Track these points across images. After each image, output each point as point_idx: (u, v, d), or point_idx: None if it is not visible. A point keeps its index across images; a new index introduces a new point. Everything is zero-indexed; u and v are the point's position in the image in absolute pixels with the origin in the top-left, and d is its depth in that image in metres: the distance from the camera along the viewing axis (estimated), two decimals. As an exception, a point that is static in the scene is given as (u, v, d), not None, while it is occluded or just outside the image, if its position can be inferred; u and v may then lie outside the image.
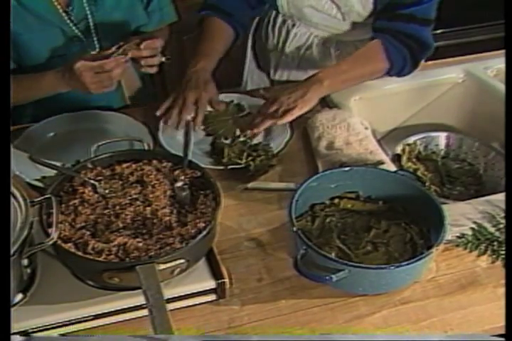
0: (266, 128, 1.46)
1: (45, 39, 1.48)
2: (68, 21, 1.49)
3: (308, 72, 1.74)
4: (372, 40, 1.53)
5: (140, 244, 1.04)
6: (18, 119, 1.66)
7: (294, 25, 1.73)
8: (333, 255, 1.14)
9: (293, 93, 1.44)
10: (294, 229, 1.12)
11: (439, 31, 2.30)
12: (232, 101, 1.60)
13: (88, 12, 1.50)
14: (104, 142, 1.23)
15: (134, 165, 1.20)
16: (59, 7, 1.47)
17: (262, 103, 1.50)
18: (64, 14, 1.48)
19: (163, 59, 1.39)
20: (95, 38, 1.55)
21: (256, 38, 1.90)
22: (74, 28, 1.51)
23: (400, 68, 1.53)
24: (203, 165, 1.21)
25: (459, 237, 1.22)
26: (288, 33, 1.75)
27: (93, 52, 1.53)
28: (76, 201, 1.12)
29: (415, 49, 1.51)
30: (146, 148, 1.26)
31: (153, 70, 1.40)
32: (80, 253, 1.02)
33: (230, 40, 1.67)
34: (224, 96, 1.60)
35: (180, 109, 1.46)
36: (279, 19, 1.76)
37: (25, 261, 1.03)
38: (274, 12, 1.76)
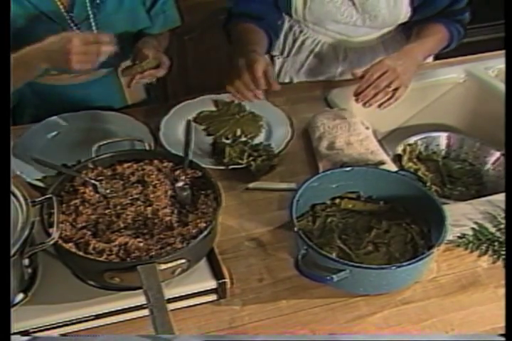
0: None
1: (45, 36, 1.48)
2: (70, 22, 1.49)
3: (313, 77, 1.76)
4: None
5: (141, 244, 1.04)
6: (18, 119, 1.66)
7: (301, 32, 1.71)
8: (334, 255, 1.14)
9: (399, 59, 1.44)
10: (295, 229, 1.12)
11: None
12: (232, 101, 1.59)
13: (90, 14, 1.50)
14: (105, 142, 1.23)
15: (135, 165, 1.20)
16: (61, 7, 1.47)
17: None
18: (66, 15, 1.48)
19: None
20: None
21: None
22: (74, 28, 1.50)
23: (453, 45, 1.62)
24: (203, 165, 1.21)
25: (459, 237, 1.22)
26: (295, 40, 1.72)
27: None
28: (77, 201, 1.12)
29: (465, 28, 1.63)
30: (147, 148, 1.26)
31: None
32: (80, 253, 1.02)
33: (266, 44, 1.58)
34: (225, 97, 1.60)
35: (251, 83, 1.38)
36: (285, 25, 1.72)
37: (26, 261, 1.03)
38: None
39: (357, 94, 1.42)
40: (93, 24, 1.52)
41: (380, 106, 1.44)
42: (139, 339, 1.00)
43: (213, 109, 1.59)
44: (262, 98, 1.41)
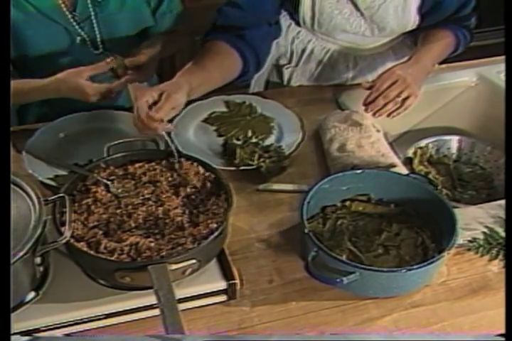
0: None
1: (48, 36, 1.49)
2: (72, 21, 1.50)
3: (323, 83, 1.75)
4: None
5: (152, 244, 1.05)
6: (23, 119, 1.66)
7: (309, 41, 1.68)
8: (344, 257, 1.14)
9: (409, 68, 1.44)
10: (306, 230, 1.12)
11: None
12: (244, 102, 1.60)
13: (92, 12, 1.51)
14: (117, 142, 1.24)
15: (146, 165, 1.21)
16: (63, 6, 1.48)
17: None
18: (68, 13, 1.49)
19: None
20: (99, 38, 1.55)
21: None
22: (77, 27, 1.51)
23: (460, 50, 1.62)
24: (214, 166, 1.22)
25: (470, 241, 1.22)
26: (304, 49, 1.70)
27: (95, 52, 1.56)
28: (89, 200, 1.13)
29: (472, 33, 1.62)
30: (159, 148, 1.27)
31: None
32: (92, 253, 1.03)
33: (233, 74, 1.45)
34: (236, 97, 1.60)
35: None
36: (293, 33, 1.69)
37: (38, 260, 1.04)
38: (286, 24, 1.69)
39: (366, 104, 1.42)
40: (95, 23, 1.52)
41: (389, 115, 1.43)
42: (144, 339, 1.00)
43: (224, 109, 1.59)
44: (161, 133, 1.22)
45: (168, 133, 1.25)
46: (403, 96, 1.41)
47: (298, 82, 1.77)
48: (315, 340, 1.06)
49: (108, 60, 1.41)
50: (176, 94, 1.22)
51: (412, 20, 1.55)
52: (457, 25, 1.59)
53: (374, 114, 1.42)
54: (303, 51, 1.71)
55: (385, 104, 1.41)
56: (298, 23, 1.63)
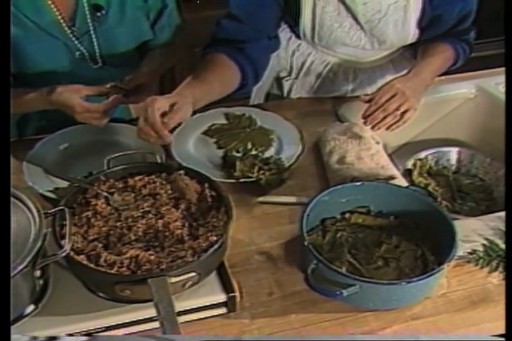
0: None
1: (46, 51, 1.49)
2: (71, 35, 1.50)
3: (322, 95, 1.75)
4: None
5: (152, 257, 1.05)
6: (22, 131, 1.67)
7: (309, 54, 1.70)
8: (343, 270, 1.15)
9: (409, 82, 1.45)
10: (305, 243, 1.12)
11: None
12: (243, 115, 1.61)
13: (91, 27, 1.51)
14: (117, 155, 1.24)
15: (146, 178, 1.21)
16: (62, 21, 1.48)
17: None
18: (67, 28, 1.49)
19: None
20: (98, 53, 1.55)
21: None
22: (76, 42, 1.52)
23: (459, 63, 1.64)
24: (214, 178, 1.22)
25: (470, 253, 1.22)
26: (304, 61, 1.72)
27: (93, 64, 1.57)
28: (89, 213, 1.14)
29: (471, 47, 1.65)
30: (159, 160, 1.27)
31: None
32: (92, 266, 1.03)
33: (232, 86, 1.47)
34: (236, 110, 1.62)
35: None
36: (293, 46, 1.71)
37: (37, 273, 1.04)
38: (286, 37, 1.71)
39: (365, 117, 1.43)
40: (94, 38, 1.52)
41: (388, 128, 1.44)
42: (139, 340, 1.00)
43: (224, 122, 1.60)
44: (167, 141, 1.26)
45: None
46: (402, 109, 1.42)
47: (298, 94, 1.78)
48: (315, 340, 1.06)
49: (108, 85, 1.41)
50: (187, 106, 1.27)
51: (412, 34, 1.56)
52: (456, 38, 1.60)
53: (373, 127, 1.43)
54: (303, 64, 1.72)
55: (384, 117, 1.42)
56: (298, 36, 1.65)
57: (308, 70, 1.73)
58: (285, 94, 1.80)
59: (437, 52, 1.57)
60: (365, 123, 1.44)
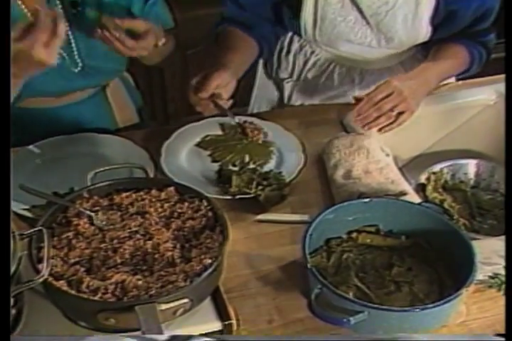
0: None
1: None
2: None
3: (326, 101, 1.77)
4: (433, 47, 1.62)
5: (140, 282, 1.05)
6: None
7: (313, 53, 1.72)
8: (350, 295, 1.15)
9: (408, 81, 1.46)
10: (308, 265, 1.13)
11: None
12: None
13: (67, 27, 1.49)
14: (101, 169, 1.25)
15: (134, 195, 1.22)
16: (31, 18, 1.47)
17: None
18: None
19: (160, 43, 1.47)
20: (77, 55, 1.55)
21: (267, 66, 1.89)
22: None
23: (474, 69, 1.65)
24: (208, 195, 1.23)
25: (491, 277, 1.22)
26: (306, 61, 1.74)
27: None
28: (70, 234, 1.14)
29: (491, 50, 1.66)
30: (148, 175, 1.28)
31: (145, 52, 1.43)
32: (73, 292, 1.04)
33: (254, 53, 1.64)
34: (232, 119, 1.62)
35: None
36: (295, 45, 1.75)
37: (10, 301, 1.04)
38: (288, 37, 1.76)
39: (358, 115, 1.45)
40: (72, 39, 1.52)
41: (380, 130, 1.46)
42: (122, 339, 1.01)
43: (219, 132, 1.61)
44: (226, 107, 1.46)
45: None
46: (397, 110, 1.43)
47: (299, 98, 1.80)
48: (315, 340, 1.07)
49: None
50: (217, 72, 1.43)
51: (424, 32, 1.57)
52: (473, 40, 1.61)
53: (363, 126, 1.46)
54: (305, 64, 1.75)
55: (377, 117, 1.43)
56: (299, 33, 1.67)
57: (311, 71, 1.75)
58: (285, 99, 1.82)
59: (449, 53, 1.58)
60: (356, 121, 1.46)
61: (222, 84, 1.43)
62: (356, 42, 1.63)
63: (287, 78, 1.81)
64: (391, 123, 1.45)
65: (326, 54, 1.71)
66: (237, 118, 1.58)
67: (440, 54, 1.58)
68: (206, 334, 1.12)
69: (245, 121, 1.59)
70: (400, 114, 1.44)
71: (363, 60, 1.70)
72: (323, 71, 1.74)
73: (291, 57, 1.76)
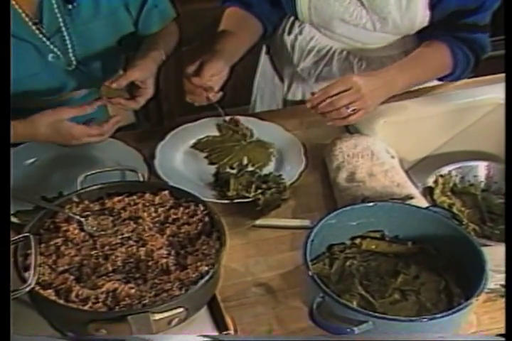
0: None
1: (14, 56, 1.44)
2: (40, 35, 1.50)
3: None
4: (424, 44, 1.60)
5: (132, 291, 1.05)
6: None
7: (312, 38, 1.75)
8: (354, 304, 1.15)
9: (370, 79, 1.46)
10: (310, 273, 1.12)
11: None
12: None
13: (62, 23, 1.50)
14: (92, 172, 1.25)
15: (126, 199, 1.22)
16: (27, 19, 1.47)
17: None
18: (34, 27, 1.48)
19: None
20: (71, 53, 1.55)
21: (271, 53, 1.91)
22: (47, 42, 1.51)
23: (459, 74, 1.63)
24: (205, 199, 1.23)
25: (503, 286, 1.22)
26: (305, 46, 1.77)
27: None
28: (59, 240, 1.14)
29: (480, 55, 1.61)
30: (141, 179, 1.28)
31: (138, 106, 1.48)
32: (61, 302, 1.03)
33: (257, 32, 1.71)
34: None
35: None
36: (296, 30, 1.77)
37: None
38: (289, 21, 1.78)
39: (312, 107, 1.44)
40: (66, 36, 1.52)
41: (329, 122, 1.46)
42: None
43: (216, 133, 1.61)
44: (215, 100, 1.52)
45: None
46: (352, 107, 1.42)
47: (299, 86, 1.82)
48: (315, 340, 1.07)
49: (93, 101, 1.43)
50: (212, 61, 1.49)
51: (421, 15, 1.56)
52: (459, 36, 1.57)
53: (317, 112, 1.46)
54: (304, 50, 1.77)
55: (329, 112, 1.43)
56: (295, 14, 1.69)
57: (309, 57, 1.77)
58: (285, 88, 1.84)
59: (427, 53, 1.57)
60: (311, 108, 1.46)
61: (216, 73, 1.49)
62: (351, 23, 1.63)
63: (287, 65, 1.83)
64: (341, 118, 1.44)
65: (324, 39, 1.73)
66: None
67: (418, 54, 1.57)
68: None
69: (232, 118, 1.63)
70: (354, 111, 1.43)
71: (363, 47, 1.71)
72: (322, 57, 1.76)
73: (289, 42, 1.79)
